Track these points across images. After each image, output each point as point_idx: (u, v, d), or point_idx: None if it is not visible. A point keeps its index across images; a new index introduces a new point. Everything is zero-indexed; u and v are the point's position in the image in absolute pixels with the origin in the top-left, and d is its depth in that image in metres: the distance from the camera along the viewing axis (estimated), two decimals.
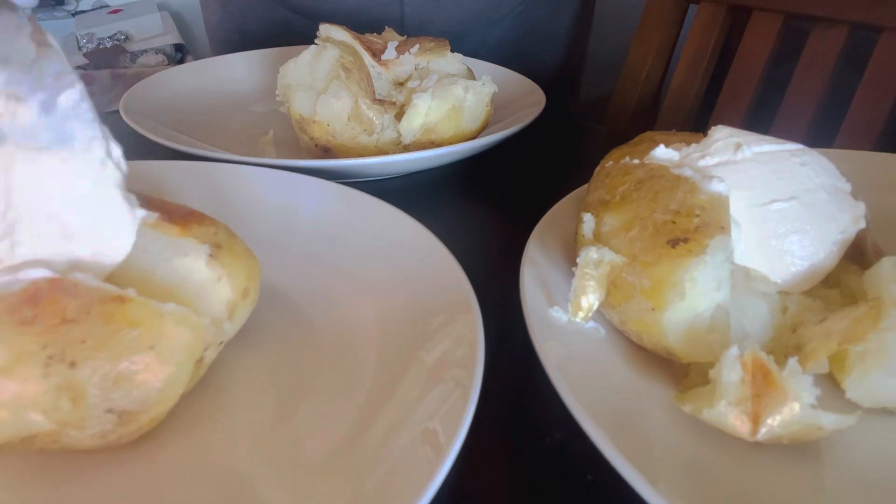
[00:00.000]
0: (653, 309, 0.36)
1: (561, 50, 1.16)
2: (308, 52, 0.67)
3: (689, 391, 0.34)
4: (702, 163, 0.40)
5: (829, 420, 0.30)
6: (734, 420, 0.31)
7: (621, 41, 1.25)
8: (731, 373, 0.31)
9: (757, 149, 0.41)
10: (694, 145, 0.42)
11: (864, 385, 0.34)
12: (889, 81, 0.86)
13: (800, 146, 0.41)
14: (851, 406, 0.34)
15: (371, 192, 0.51)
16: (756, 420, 0.31)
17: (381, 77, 0.67)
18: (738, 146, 0.41)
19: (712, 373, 0.33)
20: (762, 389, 0.31)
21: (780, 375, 0.31)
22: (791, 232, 0.38)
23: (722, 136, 0.42)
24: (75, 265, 0.30)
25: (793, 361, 0.31)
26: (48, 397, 0.28)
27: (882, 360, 0.33)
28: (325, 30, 0.70)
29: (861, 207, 0.40)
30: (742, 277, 0.39)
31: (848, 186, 0.41)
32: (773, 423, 0.30)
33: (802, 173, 0.39)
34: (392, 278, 0.44)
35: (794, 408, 0.30)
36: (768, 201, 0.39)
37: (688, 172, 0.40)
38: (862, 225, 0.39)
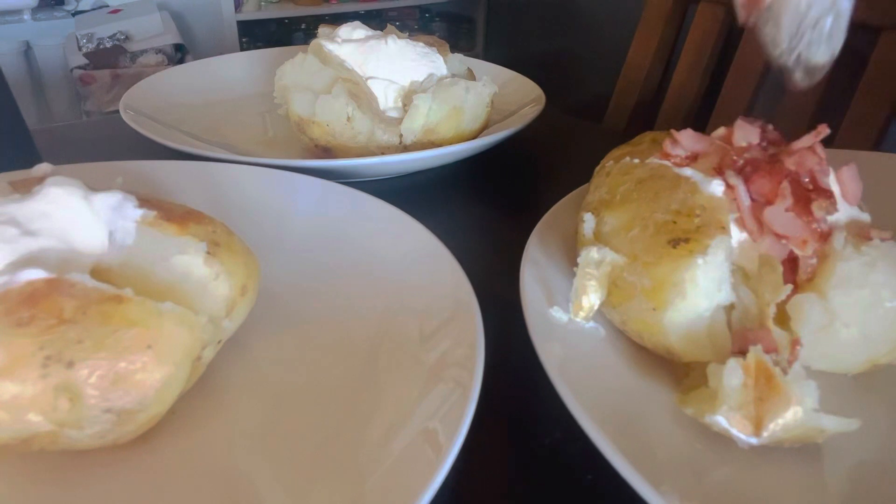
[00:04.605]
0: (654, 309, 0.36)
1: None
2: (304, 54, 0.67)
3: (690, 393, 0.34)
4: None
5: (832, 423, 0.30)
6: (736, 424, 0.31)
7: (621, 41, 1.25)
8: (732, 378, 0.31)
9: None
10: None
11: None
12: (889, 81, 0.86)
13: None
14: (852, 409, 0.34)
15: (371, 192, 0.51)
16: (758, 424, 0.30)
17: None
18: None
19: (710, 370, 0.33)
20: (764, 393, 0.31)
21: (783, 379, 0.30)
22: None
23: None
24: (64, 262, 0.30)
25: (797, 366, 0.31)
26: (46, 398, 0.27)
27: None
28: (324, 33, 0.70)
29: (865, 217, 0.40)
30: (742, 277, 0.38)
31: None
32: (776, 427, 0.30)
33: None
34: (392, 278, 0.44)
35: (797, 412, 0.30)
36: None
37: (688, 172, 0.39)
38: None
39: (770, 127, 0.40)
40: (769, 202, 0.36)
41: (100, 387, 0.28)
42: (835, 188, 0.38)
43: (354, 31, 0.69)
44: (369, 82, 0.65)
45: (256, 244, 0.39)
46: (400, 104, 0.66)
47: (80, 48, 2.37)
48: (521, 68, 0.85)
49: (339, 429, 0.34)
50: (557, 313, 0.39)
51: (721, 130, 0.42)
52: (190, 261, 0.34)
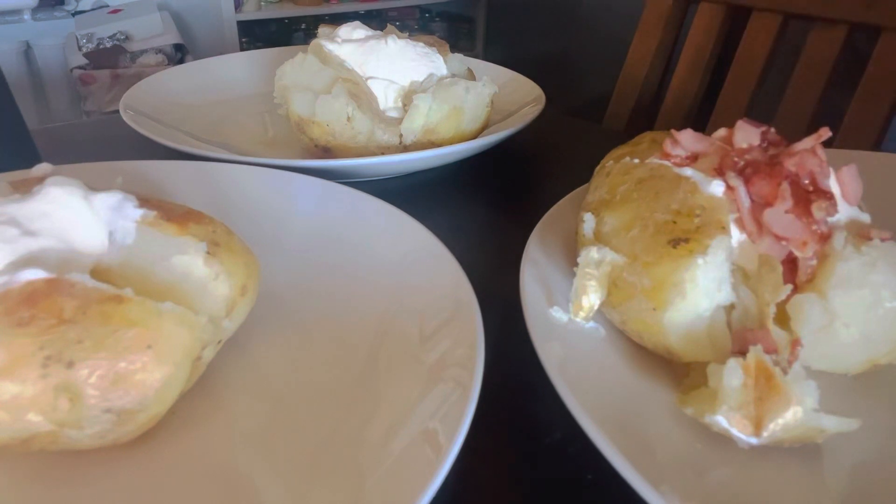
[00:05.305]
0: (654, 309, 0.36)
1: None
2: (304, 54, 0.67)
3: (690, 393, 0.34)
4: None
5: (832, 423, 0.30)
6: (736, 424, 0.31)
7: (621, 41, 1.25)
8: (732, 378, 0.31)
9: None
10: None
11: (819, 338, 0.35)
12: (889, 81, 0.86)
13: None
14: (852, 409, 0.34)
15: (371, 192, 0.51)
16: (758, 424, 0.30)
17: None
18: None
19: (710, 370, 0.33)
20: (764, 393, 0.31)
21: (783, 379, 0.30)
22: None
23: None
24: (64, 262, 0.30)
25: (797, 366, 0.31)
26: (46, 398, 0.27)
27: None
28: (324, 33, 0.70)
29: (865, 217, 0.40)
30: (742, 277, 0.38)
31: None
32: (776, 427, 0.30)
33: None
34: (392, 278, 0.44)
35: (797, 412, 0.30)
36: None
37: (688, 172, 0.39)
38: None
39: (772, 130, 0.40)
40: (769, 204, 0.36)
41: (100, 387, 0.28)
42: (835, 188, 0.38)
43: (354, 31, 0.69)
44: (369, 82, 0.65)
45: (256, 244, 0.39)
46: (400, 104, 0.66)
47: (80, 48, 2.37)
48: (521, 68, 0.85)
49: (339, 429, 0.34)
50: (557, 313, 0.39)
51: (721, 131, 0.42)
52: (190, 261, 0.34)
